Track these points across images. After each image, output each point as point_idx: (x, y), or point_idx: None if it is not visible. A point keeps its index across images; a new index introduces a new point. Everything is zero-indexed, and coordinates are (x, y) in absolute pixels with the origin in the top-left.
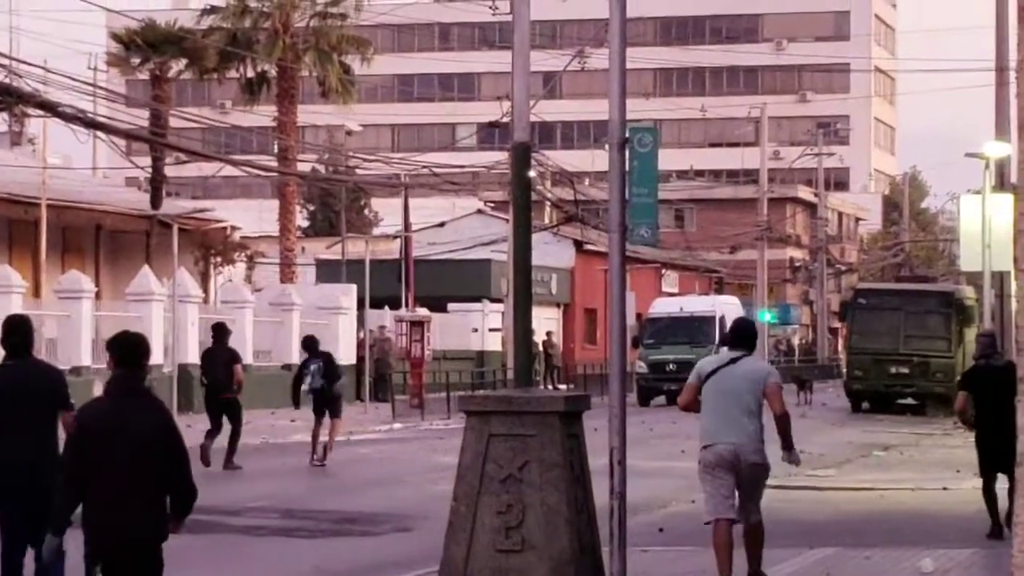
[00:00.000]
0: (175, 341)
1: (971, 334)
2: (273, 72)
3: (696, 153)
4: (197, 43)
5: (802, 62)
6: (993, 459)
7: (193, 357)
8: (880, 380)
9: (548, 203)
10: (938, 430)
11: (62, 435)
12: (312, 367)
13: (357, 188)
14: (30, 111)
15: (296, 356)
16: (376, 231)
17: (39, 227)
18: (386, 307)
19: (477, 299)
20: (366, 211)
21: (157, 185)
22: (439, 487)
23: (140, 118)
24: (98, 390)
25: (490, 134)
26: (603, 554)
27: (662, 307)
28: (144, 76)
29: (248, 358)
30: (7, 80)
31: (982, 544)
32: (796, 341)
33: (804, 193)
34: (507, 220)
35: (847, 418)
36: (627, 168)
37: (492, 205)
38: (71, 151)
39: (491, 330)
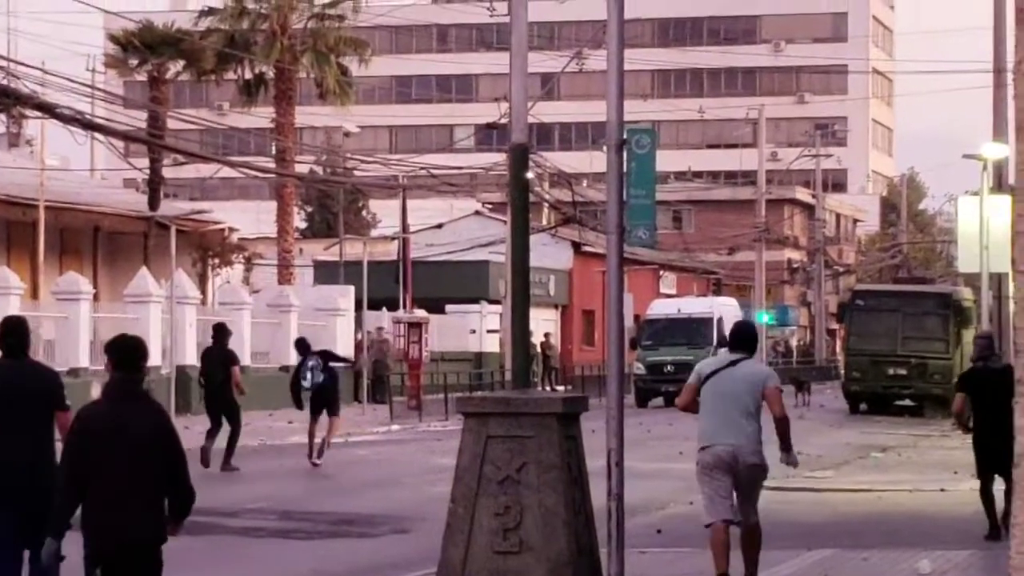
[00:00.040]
0: (173, 343)
1: (969, 335)
2: (271, 73)
3: (694, 154)
4: (195, 44)
5: (800, 63)
6: (990, 461)
7: (191, 359)
8: (878, 381)
9: (546, 204)
10: (936, 431)
11: (57, 436)
12: (310, 363)
13: (355, 189)
14: (28, 113)
15: (294, 357)
16: (374, 232)
17: (37, 229)
18: (384, 308)
19: (475, 300)
20: (364, 212)
21: (155, 186)
22: (437, 489)
23: (138, 120)
24: (96, 391)
25: (488, 135)
26: (601, 556)
27: (660, 308)
28: (142, 78)
29: (246, 360)
30: (5, 82)
31: (980, 545)
32: (794, 342)
33: (802, 194)
34: (505, 221)
35: (845, 419)
36: (625, 169)
37: (490, 206)
38: (69, 153)
39: (489, 331)
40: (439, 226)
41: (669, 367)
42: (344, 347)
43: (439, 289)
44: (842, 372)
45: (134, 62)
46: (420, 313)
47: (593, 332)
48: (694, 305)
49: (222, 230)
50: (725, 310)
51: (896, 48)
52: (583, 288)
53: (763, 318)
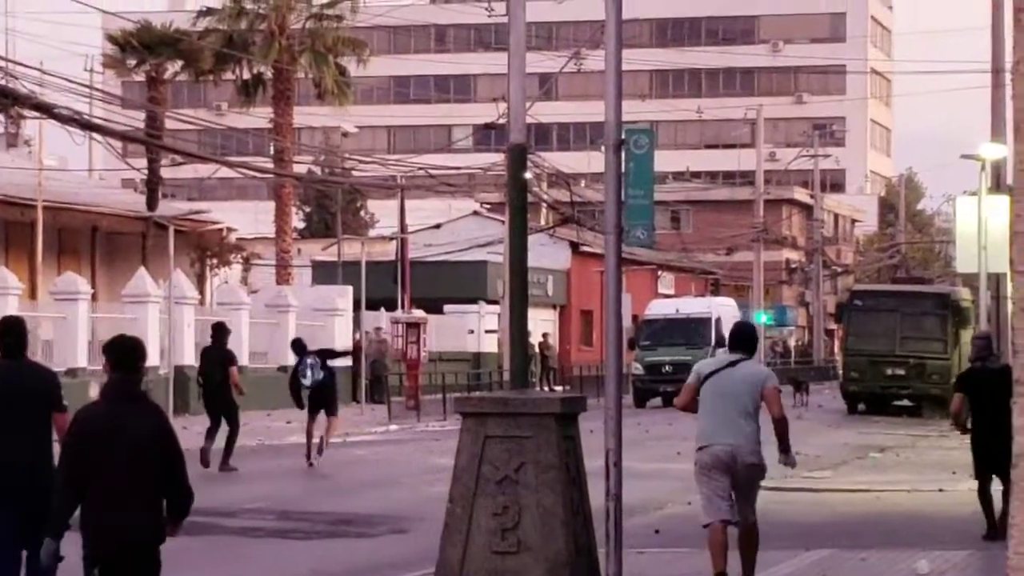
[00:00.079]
0: (171, 343)
1: (967, 336)
2: (269, 74)
3: (692, 154)
4: (193, 45)
5: (798, 64)
6: (988, 461)
7: (189, 359)
8: (876, 382)
9: (544, 205)
10: (934, 432)
11: (55, 437)
12: (308, 361)
13: (353, 190)
14: (26, 113)
15: (292, 358)
16: (372, 233)
17: (35, 229)
18: (382, 309)
19: (473, 301)
20: (362, 213)
21: (153, 187)
22: (435, 489)
23: (136, 120)
24: (94, 392)
25: (486, 136)
26: (599, 556)
27: (658, 309)
28: (140, 78)
29: (244, 360)
30: (3, 82)
31: (978, 546)
32: (792, 343)
33: (800, 195)
34: (503, 222)
35: (843, 420)
36: (623, 170)
37: (488, 207)
38: (67, 153)
39: (487, 332)
40: (437, 226)
41: (667, 367)
42: (342, 346)
43: (437, 289)
44: (840, 372)
45: (132, 62)
46: (418, 313)
47: (591, 332)
48: (692, 305)
49: (220, 230)
50: (723, 310)
51: (894, 48)
52: (581, 288)
53: (761, 318)
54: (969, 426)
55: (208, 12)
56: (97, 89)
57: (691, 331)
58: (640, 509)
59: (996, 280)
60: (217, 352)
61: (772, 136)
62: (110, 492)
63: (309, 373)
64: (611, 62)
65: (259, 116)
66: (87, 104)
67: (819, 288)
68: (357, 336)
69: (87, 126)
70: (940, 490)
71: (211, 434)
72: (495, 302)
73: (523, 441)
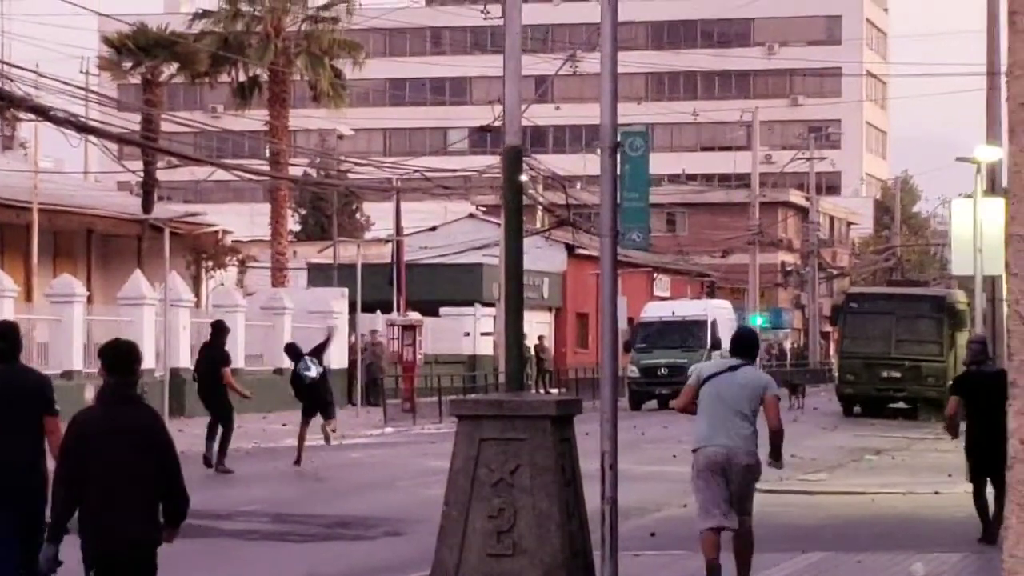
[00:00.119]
0: (167, 345)
1: (962, 338)
2: (265, 76)
3: (688, 157)
4: (189, 47)
5: (794, 66)
6: (983, 465)
7: (185, 361)
8: (872, 384)
9: (540, 207)
10: (930, 434)
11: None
12: (305, 359)
13: (349, 192)
14: (21, 115)
15: (288, 363)
16: (368, 235)
17: (31, 231)
18: (378, 311)
19: (469, 303)
20: (358, 215)
21: (149, 189)
22: (431, 491)
23: (132, 122)
24: (89, 394)
25: (482, 138)
26: (595, 559)
27: (654, 311)
28: (136, 80)
29: (240, 362)
30: None
31: (973, 548)
32: (788, 345)
33: (796, 197)
34: (499, 224)
35: (839, 422)
36: (619, 172)
37: (484, 209)
38: (63, 155)
39: (483, 334)
40: (433, 229)
41: (663, 370)
42: (337, 350)
43: (433, 292)
44: (836, 375)
45: (128, 65)
46: (414, 316)
47: (587, 335)
48: (688, 308)
49: (216, 233)
50: (719, 313)
51: (890, 51)
52: (577, 291)
53: (757, 321)
54: (963, 430)
55: (204, 14)
56: (93, 91)
57: (687, 334)
58: (636, 512)
59: (992, 283)
60: (213, 351)
61: (768, 139)
62: (107, 494)
63: (312, 366)
64: (607, 64)
65: (255, 119)
66: (83, 106)
67: (815, 291)
68: (353, 339)
69: (83, 128)
70: (936, 493)
71: (211, 433)
72: (491, 304)
73: (519, 444)
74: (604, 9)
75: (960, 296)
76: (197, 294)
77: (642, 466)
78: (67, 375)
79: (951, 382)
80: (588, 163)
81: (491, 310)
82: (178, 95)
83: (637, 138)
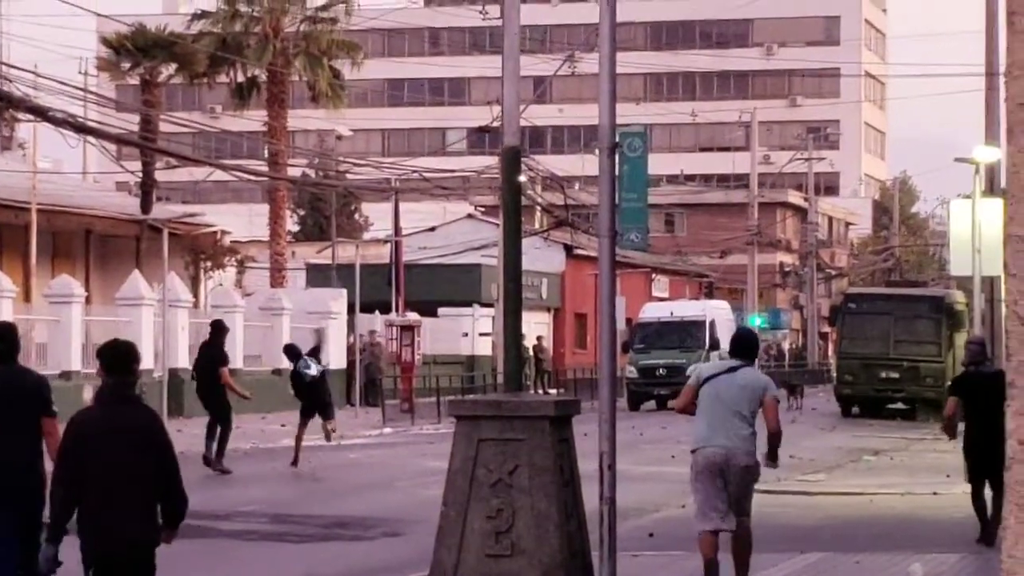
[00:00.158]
0: (165, 346)
1: (961, 339)
2: (263, 77)
3: (687, 158)
4: (187, 48)
5: (792, 67)
6: (981, 465)
7: (183, 362)
8: (870, 385)
9: (538, 208)
10: (928, 435)
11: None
12: (305, 358)
13: (347, 192)
14: (20, 116)
15: (287, 364)
16: (366, 236)
17: (29, 232)
18: (376, 312)
19: (467, 304)
20: (356, 215)
21: (147, 189)
22: (429, 492)
23: (130, 123)
24: (88, 394)
25: (480, 139)
26: (593, 559)
27: (652, 312)
28: (134, 81)
29: (238, 362)
30: None
31: (972, 549)
32: (786, 346)
33: (794, 198)
34: (497, 225)
35: (837, 423)
36: (617, 173)
37: (482, 210)
38: (61, 156)
39: (481, 335)
40: (432, 229)
41: (661, 370)
42: (336, 350)
43: (432, 292)
44: (834, 375)
45: (126, 65)
46: (412, 316)
47: (585, 335)
48: (686, 308)
49: (214, 233)
50: (717, 313)
51: (888, 52)
52: (575, 291)
53: (755, 321)
54: (961, 430)
55: (202, 15)
56: (91, 92)
57: (685, 334)
58: (634, 512)
59: (990, 283)
60: (211, 351)
61: (766, 139)
62: (106, 494)
63: (312, 364)
64: (605, 65)
65: (253, 119)
66: (81, 107)
67: (813, 291)
68: (351, 339)
69: (81, 129)
70: (934, 493)
71: (211, 433)
72: (489, 305)
73: (517, 444)
74: (603, 10)
75: (959, 297)
76: (195, 295)
77: (640, 466)
78: (65, 375)
79: (950, 383)
80: (587, 163)
81: (490, 310)
82: (176, 96)
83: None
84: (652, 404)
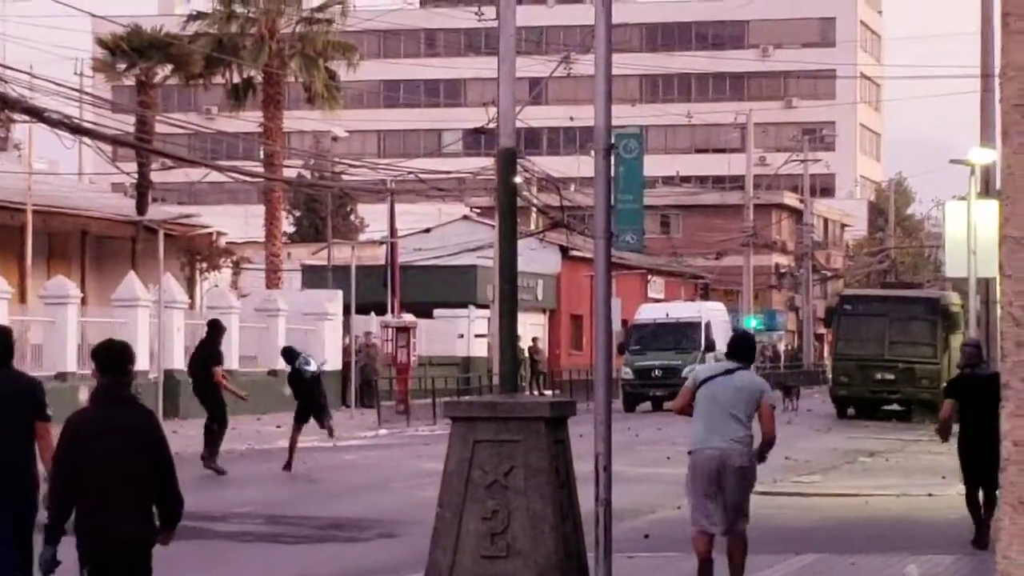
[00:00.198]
0: (161, 347)
1: (956, 340)
2: (259, 78)
3: (682, 159)
4: (183, 49)
5: (788, 68)
6: (977, 468)
7: (179, 363)
8: (866, 386)
9: (534, 209)
10: (924, 436)
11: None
12: (303, 356)
13: (343, 194)
14: (16, 117)
15: (284, 365)
16: (362, 237)
17: (25, 233)
18: (372, 313)
19: (463, 305)
20: (352, 217)
21: (143, 191)
22: (425, 493)
23: (126, 124)
24: (83, 396)
25: (476, 140)
26: (589, 560)
27: (648, 313)
28: (130, 82)
29: (234, 364)
30: None
31: (967, 550)
32: (782, 347)
33: (790, 199)
34: (493, 226)
35: (833, 424)
36: (613, 174)
37: (478, 211)
38: (57, 157)
39: (477, 336)
40: (427, 230)
41: (657, 372)
42: (332, 351)
43: (427, 293)
44: (830, 377)
45: (122, 66)
46: (408, 317)
47: (581, 336)
48: (682, 310)
49: (210, 234)
50: (713, 315)
51: (884, 53)
52: (571, 292)
53: (751, 323)
54: (955, 432)
55: (198, 16)
56: (87, 93)
57: (681, 335)
58: (630, 513)
59: (986, 285)
60: (206, 350)
61: (762, 141)
62: (102, 494)
63: (311, 361)
64: (601, 66)
65: (249, 120)
66: (77, 108)
67: (808, 293)
68: (347, 340)
69: (77, 130)
70: (929, 495)
71: (209, 431)
72: (485, 306)
73: (512, 445)
74: (598, 11)
75: (954, 298)
76: (191, 296)
77: (636, 468)
78: (61, 376)
79: (945, 385)
80: (582, 165)
81: (485, 312)
82: (172, 97)
83: (631, 140)
84: (648, 405)
